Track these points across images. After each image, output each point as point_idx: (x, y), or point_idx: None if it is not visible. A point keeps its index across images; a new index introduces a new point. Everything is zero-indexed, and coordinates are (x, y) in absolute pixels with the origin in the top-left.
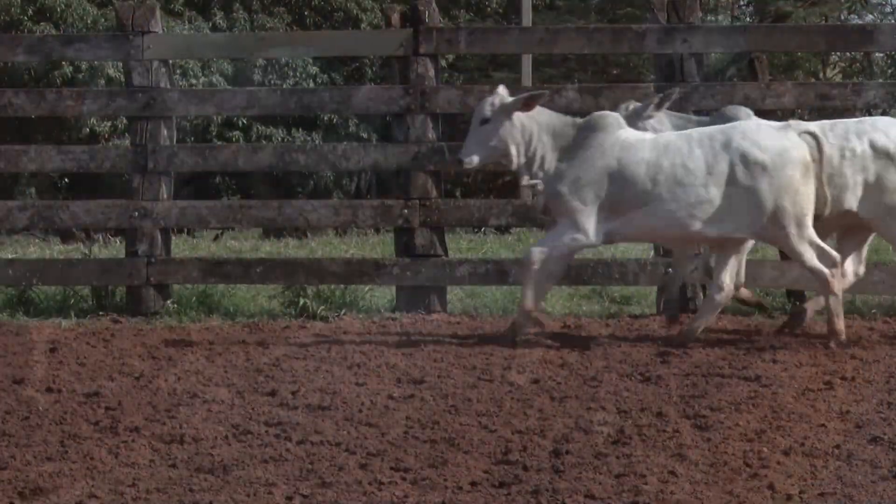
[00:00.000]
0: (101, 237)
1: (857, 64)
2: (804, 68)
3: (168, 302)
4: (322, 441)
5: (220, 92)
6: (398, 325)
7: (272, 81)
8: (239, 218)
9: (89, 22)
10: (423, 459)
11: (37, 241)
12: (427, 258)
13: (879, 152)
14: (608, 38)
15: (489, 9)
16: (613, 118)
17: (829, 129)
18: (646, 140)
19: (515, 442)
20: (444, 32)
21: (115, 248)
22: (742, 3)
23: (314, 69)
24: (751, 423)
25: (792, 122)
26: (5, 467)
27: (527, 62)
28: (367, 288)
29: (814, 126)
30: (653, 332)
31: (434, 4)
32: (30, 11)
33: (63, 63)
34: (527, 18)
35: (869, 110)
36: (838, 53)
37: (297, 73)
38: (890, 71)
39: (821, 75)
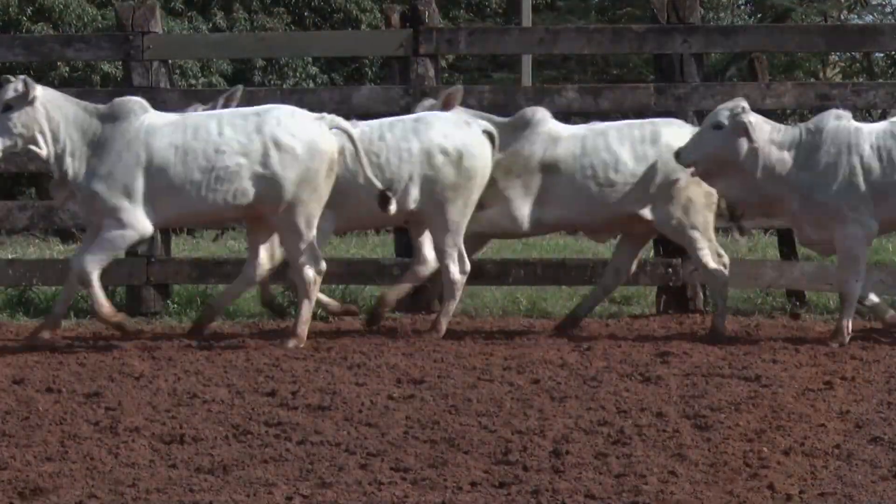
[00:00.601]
0: None
1: (857, 64)
2: (804, 68)
3: (168, 302)
4: (322, 441)
5: (221, 92)
6: (398, 325)
7: (272, 81)
8: None
9: (87, 21)
10: (423, 459)
11: (37, 241)
12: None
13: (435, 149)
14: (608, 38)
15: (489, 9)
16: (136, 103)
17: (387, 130)
18: (171, 122)
19: (515, 442)
20: (444, 33)
21: None
22: (741, 2)
23: (314, 69)
24: (751, 423)
25: (326, 115)
26: (5, 467)
27: (527, 62)
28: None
29: (360, 126)
30: (653, 332)
31: (434, 5)
32: (28, 11)
33: (59, 63)
34: (527, 18)
35: (868, 111)
36: (838, 53)
37: (297, 74)
38: (890, 71)
39: (821, 75)
